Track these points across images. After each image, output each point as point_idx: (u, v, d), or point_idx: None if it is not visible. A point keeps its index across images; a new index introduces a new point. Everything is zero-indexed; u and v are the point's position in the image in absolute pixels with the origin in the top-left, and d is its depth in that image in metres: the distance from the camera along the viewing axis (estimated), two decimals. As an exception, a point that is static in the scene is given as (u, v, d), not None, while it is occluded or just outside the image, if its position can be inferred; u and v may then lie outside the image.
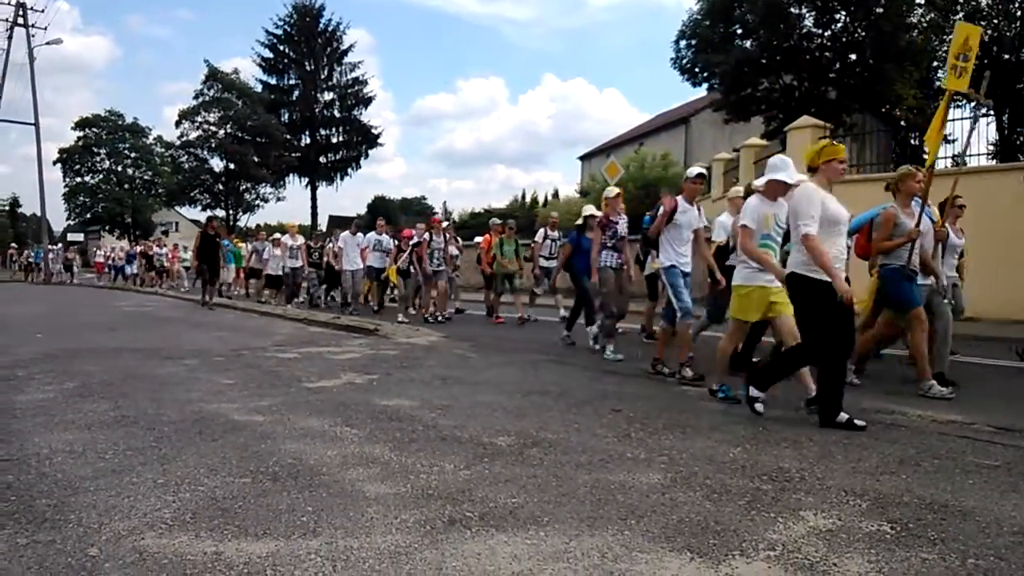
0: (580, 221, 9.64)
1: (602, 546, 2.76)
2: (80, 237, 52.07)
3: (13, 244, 44.29)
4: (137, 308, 17.19)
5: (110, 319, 13.84)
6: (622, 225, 8.35)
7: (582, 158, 50.50)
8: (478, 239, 16.05)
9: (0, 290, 27.06)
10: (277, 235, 18.83)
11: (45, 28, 37.05)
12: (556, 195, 51.73)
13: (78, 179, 54.74)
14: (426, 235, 12.78)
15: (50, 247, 36.59)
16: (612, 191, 8.66)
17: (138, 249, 29.94)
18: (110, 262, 31.76)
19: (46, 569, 2.52)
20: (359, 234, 15.12)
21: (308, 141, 53.29)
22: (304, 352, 8.62)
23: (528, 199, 54.53)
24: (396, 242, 14.45)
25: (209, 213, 53.09)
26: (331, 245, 16.31)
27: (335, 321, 12.17)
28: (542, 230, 13.47)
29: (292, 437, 4.42)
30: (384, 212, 38.39)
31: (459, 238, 15.78)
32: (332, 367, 7.38)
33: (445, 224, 13.96)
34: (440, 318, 12.79)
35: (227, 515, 3.06)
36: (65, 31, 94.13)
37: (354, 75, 53.21)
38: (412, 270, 12.94)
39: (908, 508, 3.19)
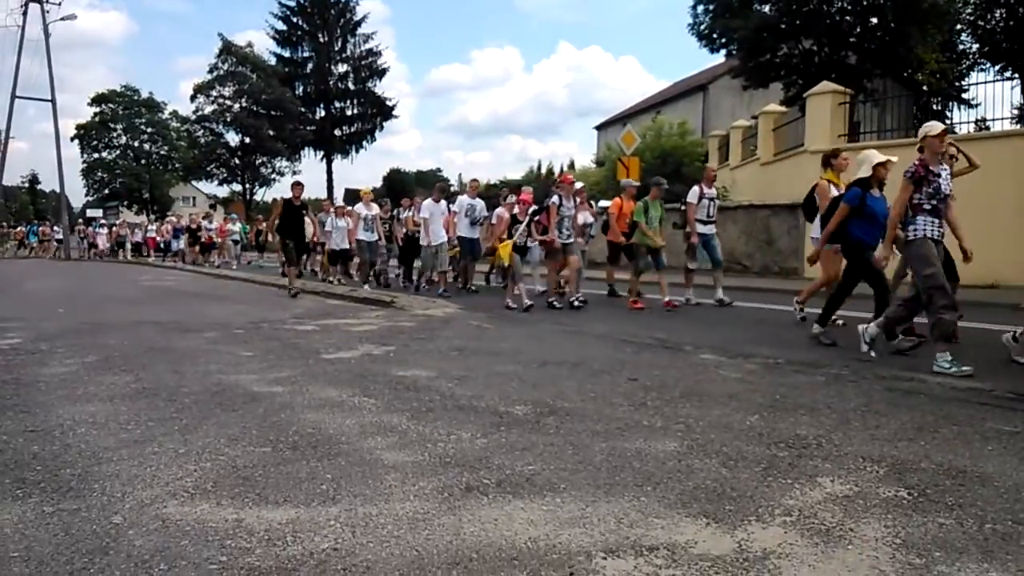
0: (864, 172, 6.57)
1: (618, 512, 2.77)
2: (99, 213, 52.41)
3: (80, 220, 43.57)
4: (157, 283, 17.35)
5: (130, 294, 13.99)
6: (945, 179, 5.88)
7: (598, 128, 50.03)
8: (604, 203, 13.49)
9: (24, 266, 27.42)
10: (340, 203, 16.55)
11: (59, 3, 36.81)
12: (572, 166, 51.48)
13: (95, 155, 55.07)
14: (554, 199, 10.26)
15: (103, 222, 36.61)
16: (936, 126, 5.95)
17: (184, 223, 27.91)
18: (163, 237, 29.41)
19: (72, 536, 2.57)
20: (443, 201, 12.88)
21: (323, 114, 53.08)
22: (322, 324, 8.67)
23: (544, 170, 54.35)
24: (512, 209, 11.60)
25: (226, 188, 53.29)
26: (408, 215, 14.23)
27: (352, 294, 12.23)
28: (696, 188, 10.55)
29: (311, 407, 4.47)
30: (400, 184, 38.31)
31: (592, 202, 12.58)
32: (350, 339, 7.43)
33: (579, 186, 11.19)
34: (576, 302, 10.05)
35: (248, 483, 3.11)
36: (80, 7, 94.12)
37: (368, 47, 52.86)
38: (530, 244, 10.65)
39: (926, 474, 3.18)
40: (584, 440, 3.73)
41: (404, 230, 14.21)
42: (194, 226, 26.13)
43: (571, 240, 10.32)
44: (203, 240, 25.16)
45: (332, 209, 15.77)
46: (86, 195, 57.47)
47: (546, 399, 4.63)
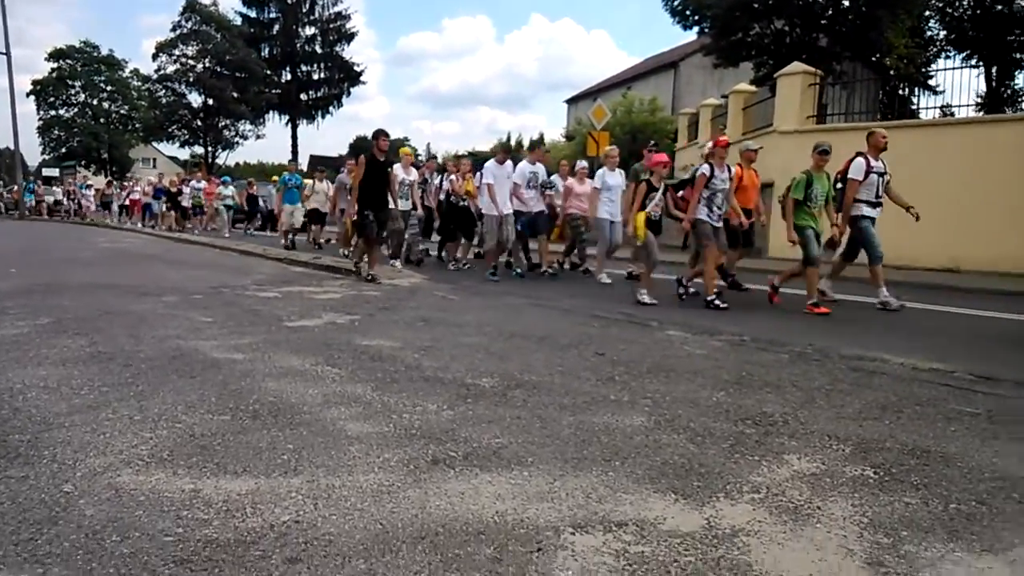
0: None
1: (586, 486, 2.74)
2: (55, 172, 50.91)
3: (71, 181, 40.00)
4: (114, 244, 16.92)
5: (87, 255, 13.61)
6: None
7: (568, 102, 49.83)
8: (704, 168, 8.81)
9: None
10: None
11: (14, -47, 35.29)
12: (542, 139, 51.26)
13: (52, 112, 53.33)
14: (703, 168, 8.10)
15: (89, 183, 34.92)
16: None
17: (166, 182, 24.91)
18: (145, 197, 26.17)
19: (19, 505, 2.46)
20: (508, 164, 10.63)
21: (288, 77, 52.18)
22: (284, 291, 8.51)
23: (513, 142, 54.04)
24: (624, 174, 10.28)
25: (188, 150, 52.00)
26: (453, 179, 12.14)
27: (316, 261, 12.05)
28: (860, 160, 8.04)
29: (272, 375, 4.36)
30: (367, 152, 37.66)
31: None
32: (313, 307, 7.29)
33: (753, 146, 9.30)
34: (718, 303, 7.68)
35: (206, 452, 3.01)
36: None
37: (336, 9, 51.99)
38: (661, 219, 8.29)
39: (891, 453, 3.19)
40: (552, 413, 3.69)
41: (445, 197, 12.27)
42: (173, 188, 23.67)
43: (721, 223, 8.21)
44: (186, 204, 22.78)
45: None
46: (42, 153, 55.74)
47: (513, 372, 4.58)
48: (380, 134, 9.86)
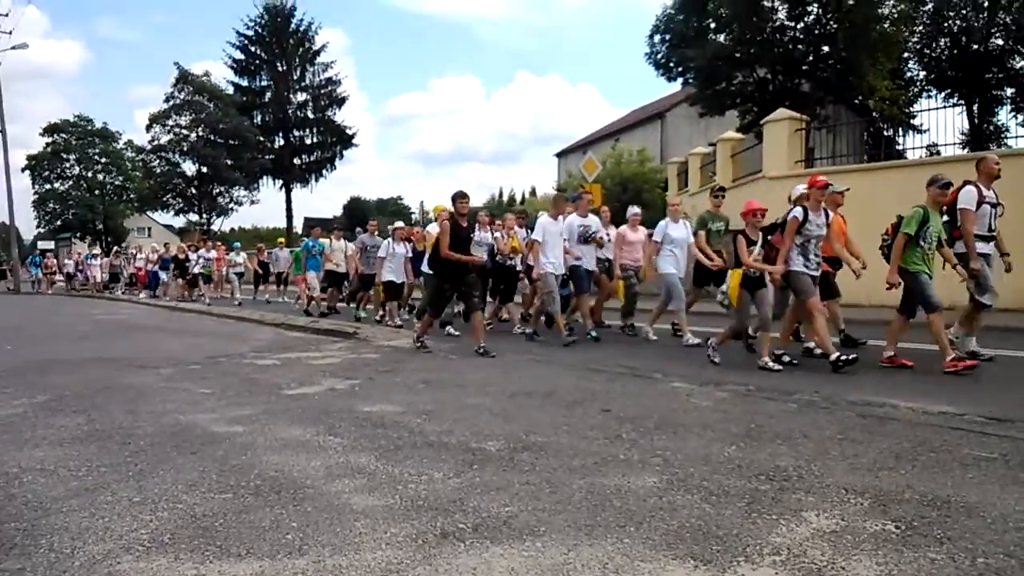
0: None
1: (602, 556, 2.65)
2: (51, 245, 51.08)
3: (79, 253, 38.93)
4: (112, 316, 16.87)
5: (82, 328, 13.55)
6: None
7: (559, 155, 50.46)
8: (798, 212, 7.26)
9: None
10: (399, 224, 12.51)
11: (10, 32, 35.84)
12: (533, 192, 51.89)
13: (47, 186, 53.74)
14: (796, 211, 7.11)
15: (95, 252, 34.69)
16: None
17: (174, 250, 23.91)
18: (151, 266, 24.89)
19: (15, 600, 2.37)
20: (560, 218, 9.66)
21: (281, 143, 52.68)
22: (283, 358, 8.44)
23: (505, 197, 54.63)
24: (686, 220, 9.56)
25: (183, 218, 52.21)
26: (497, 236, 11.16)
27: (314, 325, 12.00)
28: (971, 188, 7.21)
29: (273, 448, 4.28)
30: (360, 213, 37.85)
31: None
32: (312, 373, 7.22)
33: (840, 188, 7.90)
34: (842, 360, 6.65)
35: (208, 534, 2.92)
36: (34, 36, 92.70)
37: (327, 75, 52.68)
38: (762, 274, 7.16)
39: (910, 505, 3.11)
40: (561, 477, 3.60)
41: (490, 255, 10.93)
42: (181, 256, 22.72)
43: (819, 271, 7.23)
44: (194, 272, 21.71)
45: (391, 231, 12.21)
46: (37, 227, 56.02)
47: (519, 433, 4.50)
48: (460, 196, 8.72)
